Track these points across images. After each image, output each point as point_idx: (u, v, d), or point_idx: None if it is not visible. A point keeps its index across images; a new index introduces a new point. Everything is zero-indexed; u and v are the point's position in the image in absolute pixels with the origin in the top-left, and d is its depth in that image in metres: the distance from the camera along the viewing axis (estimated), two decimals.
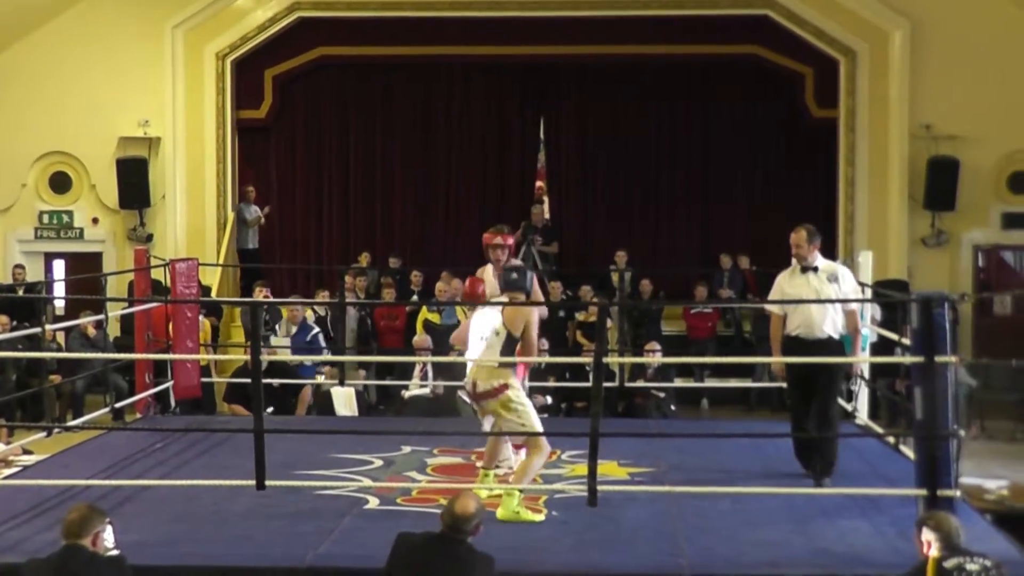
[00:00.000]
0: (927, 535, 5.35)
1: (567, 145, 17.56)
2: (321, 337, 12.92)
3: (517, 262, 7.64)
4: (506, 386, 7.09)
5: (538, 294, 7.88)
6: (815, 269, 7.90)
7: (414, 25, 16.68)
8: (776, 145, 17.33)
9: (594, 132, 17.57)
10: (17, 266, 16.06)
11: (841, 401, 9.94)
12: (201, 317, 12.18)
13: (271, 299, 13.75)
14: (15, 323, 13.31)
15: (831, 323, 7.82)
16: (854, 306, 7.96)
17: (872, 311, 11.14)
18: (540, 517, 7.01)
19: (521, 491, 7.03)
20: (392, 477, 8.11)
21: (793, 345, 7.86)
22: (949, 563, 5.19)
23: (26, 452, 9.53)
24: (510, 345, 7.13)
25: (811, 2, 15.85)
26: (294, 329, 12.83)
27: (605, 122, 17.49)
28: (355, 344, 13.85)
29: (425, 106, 17.71)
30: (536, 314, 7.24)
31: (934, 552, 5.29)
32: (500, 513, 6.91)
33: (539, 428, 7.18)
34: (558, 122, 17.43)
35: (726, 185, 17.36)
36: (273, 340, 12.70)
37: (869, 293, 10.15)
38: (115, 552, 5.31)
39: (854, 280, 8.17)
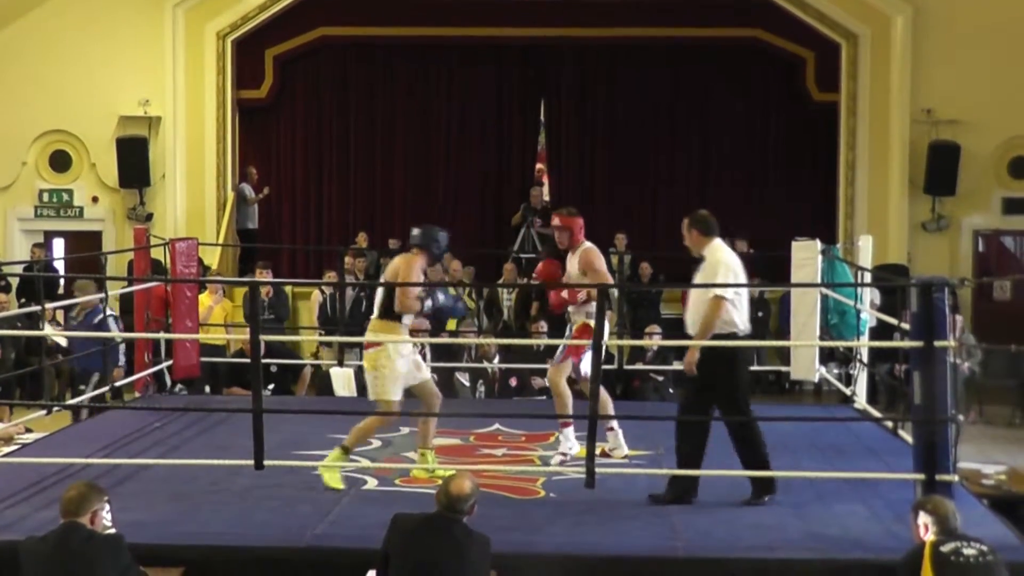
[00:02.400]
0: (923, 519, 5.36)
1: (567, 127, 17.51)
2: (112, 322, 11.38)
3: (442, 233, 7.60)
4: (381, 344, 7.17)
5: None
6: (701, 260, 7.26)
7: (415, 5, 16.64)
8: (776, 128, 17.30)
9: (594, 114, 17.51)
10: (36, 245, 16.06)
11: (840, 387, 9.91)
12: (224, 298, 12.19)
13: (270, 279, 13.71)
14: (23, 301, 13.28)
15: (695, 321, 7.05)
16: (712, 298, 7.06)
17: (871, 295, 11.17)
18: (342, 486, 7.14)
19: (347, 450, 7.19)
20: (390, 458, 8.12)
21: None
22: (946, 547, 5.19)
23: (27, 430, 9.55)
24: (391, 301, 7.20)
25: None
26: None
27: (605, 104, 17.44)
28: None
29: (425, 86, 17.66)
30: (417, 268, 7.31)
31: (930, 536, 5.30)
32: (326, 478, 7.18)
33: (392, 399, 7.21)
34: (558, 104, 17.37)
35: (726, 168, 17.32)
36: (48, 327, 11.56)
37: (868, 277, 10.15)
38: (112, 531, 5.32)
39: (723, 270, 7.24)
